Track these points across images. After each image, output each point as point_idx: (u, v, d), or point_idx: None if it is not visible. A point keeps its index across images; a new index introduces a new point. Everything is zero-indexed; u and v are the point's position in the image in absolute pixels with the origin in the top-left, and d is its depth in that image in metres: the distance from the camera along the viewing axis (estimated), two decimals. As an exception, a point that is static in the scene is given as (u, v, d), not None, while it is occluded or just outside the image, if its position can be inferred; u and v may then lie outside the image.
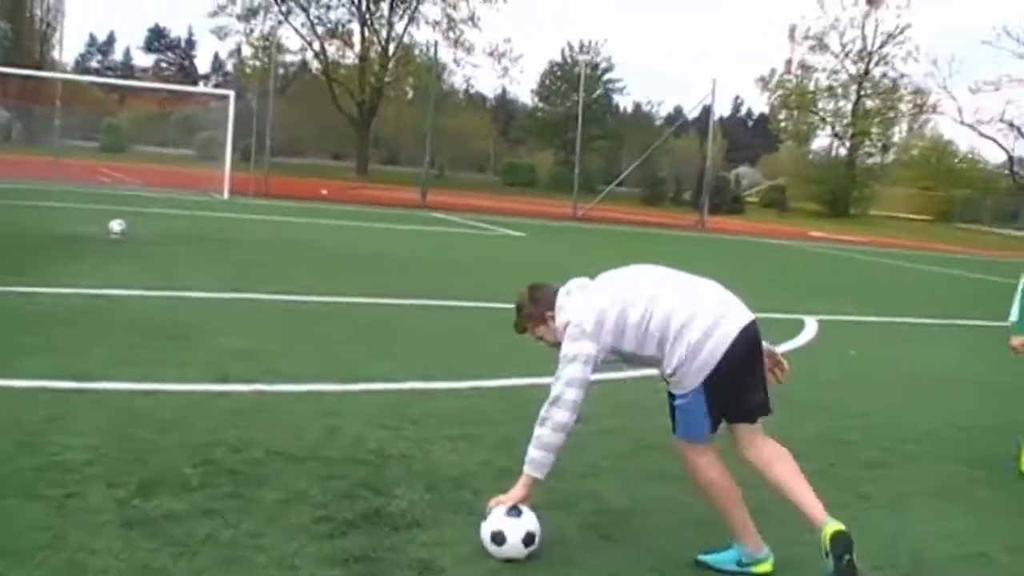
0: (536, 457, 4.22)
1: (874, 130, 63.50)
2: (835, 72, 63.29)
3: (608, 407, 6.76)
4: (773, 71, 66.52)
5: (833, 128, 65.84)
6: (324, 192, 34.89)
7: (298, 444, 5.45)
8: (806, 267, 24.72)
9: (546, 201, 45.56)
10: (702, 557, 4.37)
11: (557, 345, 4.33)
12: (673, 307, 4.18)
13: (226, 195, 28.47)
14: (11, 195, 22.33)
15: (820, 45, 62.58)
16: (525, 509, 4.20)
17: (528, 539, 4.14)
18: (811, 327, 11.68)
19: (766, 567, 4.31)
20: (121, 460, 4.92)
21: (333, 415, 6.08)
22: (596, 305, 4.23)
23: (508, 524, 4.14)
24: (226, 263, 13.30)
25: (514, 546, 4.13)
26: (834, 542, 3.88)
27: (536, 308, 4.41)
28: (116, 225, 15.08)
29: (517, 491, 4.25)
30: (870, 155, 66.64)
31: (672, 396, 4.26)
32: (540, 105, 74.67)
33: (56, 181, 29.08)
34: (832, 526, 3.94)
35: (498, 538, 4.13)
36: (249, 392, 6.47)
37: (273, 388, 6.62)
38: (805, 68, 64.52)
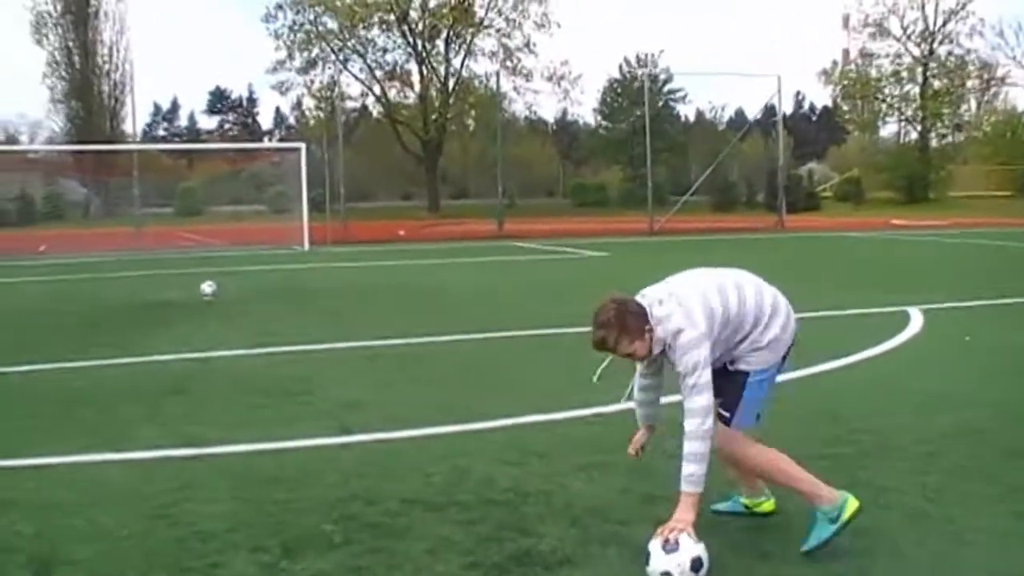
0: (696, 472, 4.16)
1: (945, 110, 62.16)
2: (898, 56, 62.19)
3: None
4: (835, 63, 65.67)
5: (901, 113, 64.66)
6: (401, 232, 35.09)
7: (430, 490, 5.35)
8: (895, 257, 24.22)
9: (619, 218, 45.40)
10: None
11: (646, 358, 4.39)
12: (759, 284, 4.54)
13: (306, 246, 28.73)
14: (97, 268, 22.75)
15: (880, 31, 61.56)
16: (685, 547, 4.02)
17: (696, 564, 4.00)
18: (917, 318, 11.36)
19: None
20: (259, 524, 4.85)
21: (459, 456, 5.97)
22: (701, 304, 4.29)
23: (657, 554, 4.00)
24: (321, 313, 13.32)
25: (652, 573, 4.00)
26: (855, 514, 4.36)
27: (636, 322, 4.28)
28: (207, 287, 15.22)
29: (688, 514, 4.13)
30: (943, 136, 65.31)
31: (743, 377, 4.42)
32: (603, 123, 74.47)
33: (138, 251, 29.61)
34: (854, 500, 4.40)
35: (646, 558, 4.03)
36: (372, 441, 6.40)
37: (394, 435, 6.54)
38: (866, 56, 63.50)
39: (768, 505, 4.82)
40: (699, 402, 4.18)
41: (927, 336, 10.38)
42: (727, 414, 4.44)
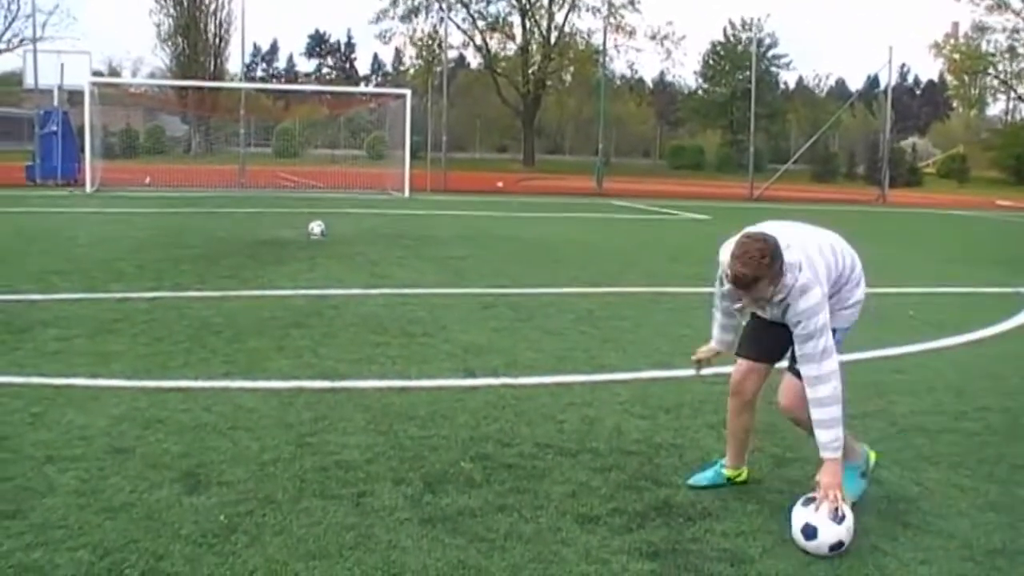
0: (840, 436, 4.18)
1: (1063, 90, 60.31)
2: (1015, 31, 60.32)
3: (855, 390, 6.54)
4: (947, 36, 63.98)
5: (1013, 90, 62.85)
6: (500, 184, 35.14)
7: (562, 437, 5.42)
8: (1003, 237, 23.67)
9: (716, 183, 44.90)
10: None
11: (761, 302, 4.23)
12: (846, 244, 4.54)
13: (407, 193, 28.90)
14: (203, 203, 23.16)
15: (999, 4, 59.67)
16: (848, 515, 4.04)
17: (836, 546, 4.00)
18: (1034, 300, 11.12)
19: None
20: (398, 458, 4.97)
21: (586, 406, 6.04)
22: (823, 262, 4.28)
23: (826, 524, 3.99)
24: (433, 259, 13.43)
25: (819, 546, 3.98)
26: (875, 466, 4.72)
27: (779, 266, 4.07)
28: (316, 227, 15.44)
29: (839, 478, 4.14)
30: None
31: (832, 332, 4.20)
32: (704, 86, 73.57)
33: (241, 188, 30.08)
34: (872, 452, 4.73)
35: (808, 532, 3.99)
36: (499, 385, 6.47)
37: (519, 381, 6.62)
38: (979, 29, 61.72)
39: (744, 474, 4.78)
40: (831, 365, 4.12)
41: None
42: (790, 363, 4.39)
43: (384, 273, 11.77)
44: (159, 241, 14.46)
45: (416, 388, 6.39)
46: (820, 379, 4.12)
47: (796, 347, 4.19)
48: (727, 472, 4.73)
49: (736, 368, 4.66)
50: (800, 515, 4.05)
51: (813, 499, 4.09)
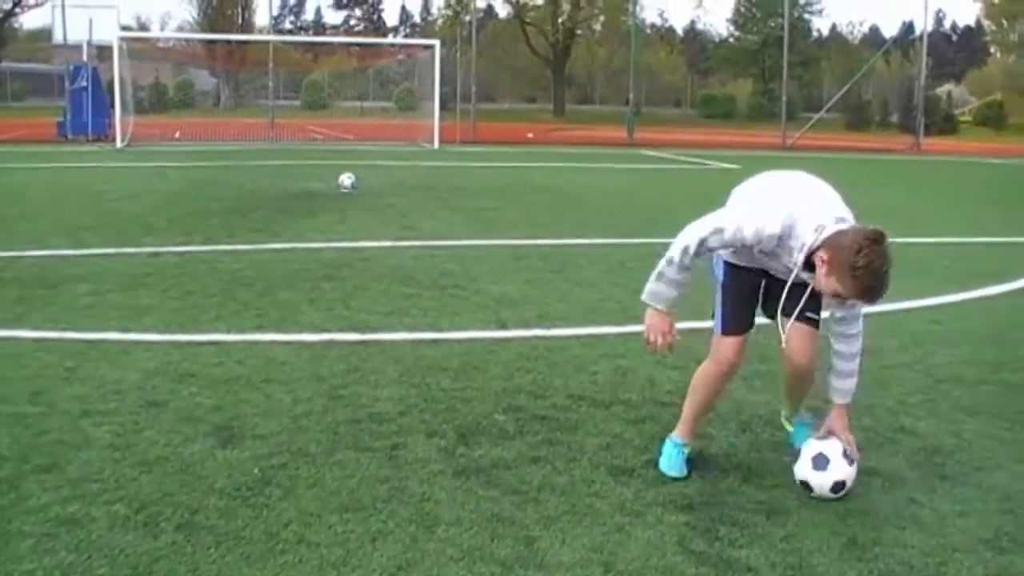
0: (855, 385, 4.22)
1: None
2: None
3: (891, 341, 6.49)
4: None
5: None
6: (530, 135, 34.95)
7: (595, 388, 5.40)
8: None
9: (747, 132, 44.50)
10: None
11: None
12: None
13: (436, 144, 28.80)
14: (234, 157, 23.19)
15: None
16: (856, 461, 4.06)
17: (839, 485, 4.01)
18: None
19: None
20: (430, 410, 4.96)
21: (618, 357, 6.00)
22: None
23: (838, 459, 4.01)
24: (464, 210, 13.38)
25: (824, 480, 4.00)
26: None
27: None
28: (346, 179, 15.41)
29: (849, 422, 4.22)
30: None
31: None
32: (735, 34, 72.74)
33: (271, 141, 30.07)
34: None
35: (820, 462, 4.02)
36: (531, 337, 6.45)
37: (552, 333, 6.60)
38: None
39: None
40: (861, 324, 4.15)
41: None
42: (817, 317, 4.21)
43: (414, 225, 11.73)
44: (189, 195, 14.47)
45: (448, 340, 6.37)
46: (858, 336, 4.15)
47: (843, 308, 4.04)
48: (687, 447, 4.33)
49: (728, 345, 4.31)
50: (814, 446, 4.06)
51: (826, 436, 4.12)
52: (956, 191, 20.25)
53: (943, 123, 53.76)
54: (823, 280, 3.76)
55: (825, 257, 3.71)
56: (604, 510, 3.82)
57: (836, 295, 3.79)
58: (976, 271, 9.39)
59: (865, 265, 3.59)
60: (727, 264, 4.31)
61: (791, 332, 4.14)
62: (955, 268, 9.67)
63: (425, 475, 4.12)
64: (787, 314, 4.09)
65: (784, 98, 37.34)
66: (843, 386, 4.17)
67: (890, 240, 3.66)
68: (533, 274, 8.71)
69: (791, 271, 3.93)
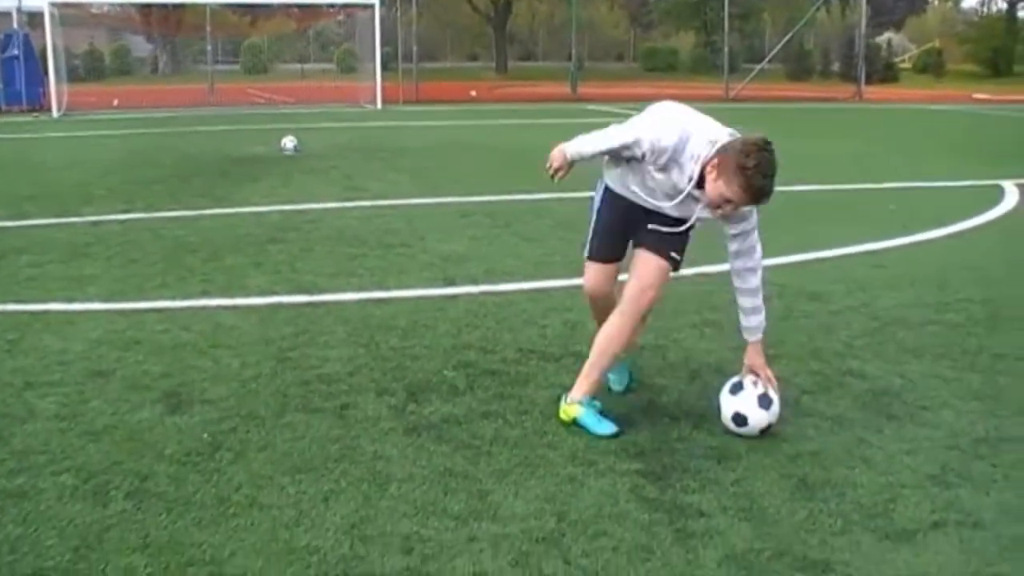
0: (763, 320, 4.24)
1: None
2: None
3: (839, 285, 6.58)
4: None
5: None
6: (473, 93, 34.72)
7: (545, 342, 5.42)
8: (981, 131, 23.53)
9: (691, 85, 44.51)
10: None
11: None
12: None
13: (379, 105, 28.56)
14: (173, 123, 22.84)
15: None
16: (775, 399, 4.10)
17: (765, 430, 4.10)
18: (1012, 192, 11.06)
19: None
20: (380, 369, 4.95)
21: (566, 311, 6.01)
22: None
23: (755, 411, 4.07)
24: (406, 170, 13.31)
25: (750, 431, 4.08)
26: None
27: None
28: (288, 142, 15.26)
29: (763, 358, 4.23)
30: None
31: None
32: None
33: (211, 107, 29.66)
34: None
35: (739, 420, 4.09)
36: (478, 293, 6.46)
37: (499, 288, 6.60)
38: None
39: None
40: (760, 252, 4.15)
41: (1024, 212, 10.17)
42: (679, 258, 4.27)
43: (359, 186, 11.65)
44: (130, 163, 14.25)
45: (396, 299, 6.36)
46: (755, 271, 4.15)
47: (736, 241, 4.06)
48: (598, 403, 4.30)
49: (589, 271, 4.52)
50: (729, 404, 4.11)
51: (739, 385, 4.14)
52: (898, 138, 20.41)
53: (884, 71, 53.97)
54: (711, 187, 3.85)
55: (716, 162, 3.82)
56: (556, 461, 3.84)
57: (726, 201, 3.83)
58: (919, 216, 9.49)
59: (755, 165, 3.71)
60: (606, 190, 4.45)
61: (639, 257, 4.23)
62: (899, 213, 9.77)
63: (376, 433, 4.11)
64: (642, 243, 4.23)
65: (726, 50, 37.38)
66: (751, 323, 4.20)
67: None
68: (479, 231, 8.70)
69: (679, 194, 4.01)
